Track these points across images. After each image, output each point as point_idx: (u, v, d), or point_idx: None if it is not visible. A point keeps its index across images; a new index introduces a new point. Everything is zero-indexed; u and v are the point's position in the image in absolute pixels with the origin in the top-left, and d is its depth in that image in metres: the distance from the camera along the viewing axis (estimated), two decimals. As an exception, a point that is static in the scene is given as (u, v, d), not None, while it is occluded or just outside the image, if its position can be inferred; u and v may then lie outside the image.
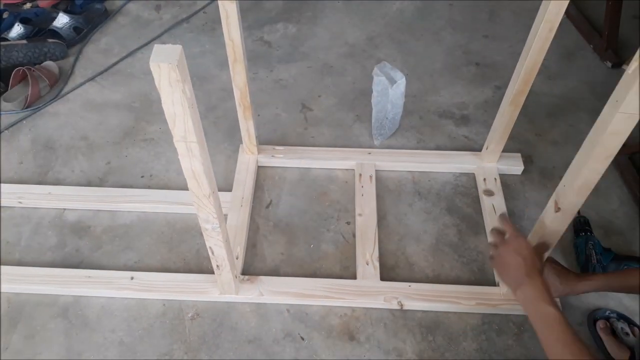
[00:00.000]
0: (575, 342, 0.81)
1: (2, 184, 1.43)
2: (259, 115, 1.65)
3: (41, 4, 2.03)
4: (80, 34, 1.90)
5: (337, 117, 1.65)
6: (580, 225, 1.32)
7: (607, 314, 1.18)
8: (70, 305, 1.23)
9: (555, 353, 0.82)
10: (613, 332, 1.14)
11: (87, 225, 1.38)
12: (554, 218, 0.92)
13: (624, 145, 0.77)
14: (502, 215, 1.04)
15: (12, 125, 1.63)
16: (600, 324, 1.15)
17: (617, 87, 0.71)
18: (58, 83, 1.77)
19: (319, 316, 1.21)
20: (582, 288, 1.09)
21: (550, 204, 0.93)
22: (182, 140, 0.77)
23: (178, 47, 0.66)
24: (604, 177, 0.83)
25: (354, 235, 1.35)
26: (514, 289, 0.92)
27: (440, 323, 1.20)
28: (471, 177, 1.48)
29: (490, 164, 1.46)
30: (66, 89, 1.75)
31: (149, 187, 1.47)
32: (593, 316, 1.18)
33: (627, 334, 1.13)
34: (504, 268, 0.96)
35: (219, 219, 0.95)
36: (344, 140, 1.58)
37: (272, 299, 1.22)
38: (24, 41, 1.79)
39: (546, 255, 1.00)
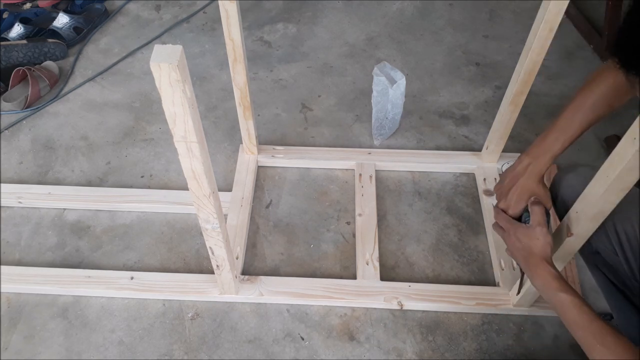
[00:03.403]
0: (593, 322, 0.79)
1: (2, 184, 1.43)
2: (259, 115, 1.65)
3: (41, 4, 2.03)
4: (80, 34, 1.90)
5: (337, 117, 1.65)
6: None
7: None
8: (70, 305, 1.23)
9: (578, 337, 0.80)
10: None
11: (87, 225, 1.38)
12: (566, 242, 0.91)
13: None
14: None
15: (12, 125, 1.63)
16: None
17: (634, 124, 0.68)
18: (58, 83, 1.77)
19: (319, 316, 1.21)
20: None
21: (562, 228, 0.92)
22: (182, 141, 0.77)
23: (178, 47, 0.66)
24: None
25: (354, 235, 1.35)
26: (530, 278, 0.92)
27: (440, 323, 1.20)
28: (471, 177, 1.48)
29: (490, 164, 1.46)
30: (66, 89, 1.75)
31: (149, 187, 1.47)
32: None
33: (627, 334, 1.12)
34: (514, 256, 0.95)
35: (219, 219, 0.95)
36: (344, 140, 1.58)
37: (272, 299, 1.22)
38: (24, 41, 1.79)
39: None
